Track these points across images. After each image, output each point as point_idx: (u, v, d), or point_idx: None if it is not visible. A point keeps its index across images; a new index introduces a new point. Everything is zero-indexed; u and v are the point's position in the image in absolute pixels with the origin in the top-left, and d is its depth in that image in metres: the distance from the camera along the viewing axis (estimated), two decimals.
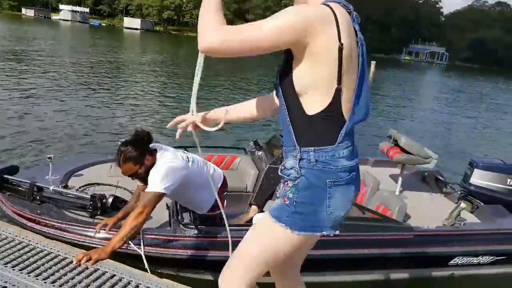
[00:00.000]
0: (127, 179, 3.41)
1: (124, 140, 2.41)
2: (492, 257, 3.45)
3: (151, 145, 2.43)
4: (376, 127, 10.05)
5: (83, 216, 2.84)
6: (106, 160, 3.82)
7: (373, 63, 25.86)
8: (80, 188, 3.17)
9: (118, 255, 2.25)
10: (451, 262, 3.36)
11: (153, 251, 2.64)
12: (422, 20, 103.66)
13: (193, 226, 2.72)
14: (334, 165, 1.40)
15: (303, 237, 1.50)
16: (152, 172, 2.34)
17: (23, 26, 41.05)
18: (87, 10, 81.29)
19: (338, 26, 1.27)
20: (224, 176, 2.88)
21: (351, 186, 1.46)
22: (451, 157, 8.00)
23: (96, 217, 2.83)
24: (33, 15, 74.18)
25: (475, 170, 4.02)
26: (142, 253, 2.43)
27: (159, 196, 2.30)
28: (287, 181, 1.48)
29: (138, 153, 2.33)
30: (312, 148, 1.40)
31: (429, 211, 3.84)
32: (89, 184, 3.28)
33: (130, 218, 2.25)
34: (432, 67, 69.95)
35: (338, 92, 1.34)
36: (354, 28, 1.37)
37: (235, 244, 1.70)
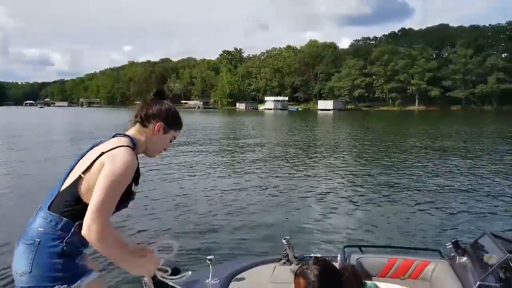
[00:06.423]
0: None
1: (315, 268, 1.72)
2: None
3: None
4: None
5: None
6: (269, 260, 3.21)
7: None
8: None
9: None
10: None
11: None
12: None
13: None
14: None
15: None
16: None
17: (238, 117, 50.03)
18: (286, 98, 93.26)
19: None
20: None
21: None
22: None
23: None
24: (244, 108, 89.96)
25: None
26: None
27: None
28: None
29: None
30: None
31: None
32: None
33: None
34: None
35: None
36: None
37: None
